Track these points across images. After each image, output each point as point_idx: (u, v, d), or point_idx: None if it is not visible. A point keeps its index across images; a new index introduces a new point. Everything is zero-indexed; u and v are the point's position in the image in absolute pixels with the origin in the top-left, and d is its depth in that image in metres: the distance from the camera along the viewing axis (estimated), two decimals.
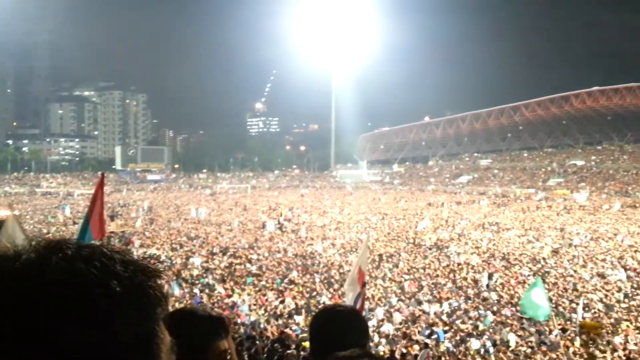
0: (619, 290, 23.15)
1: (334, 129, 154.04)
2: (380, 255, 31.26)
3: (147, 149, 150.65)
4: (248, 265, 29.00)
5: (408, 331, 17.67)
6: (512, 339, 16.92)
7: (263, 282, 25.04)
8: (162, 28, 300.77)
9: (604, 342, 16.49)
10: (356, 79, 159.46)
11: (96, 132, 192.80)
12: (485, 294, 22.84)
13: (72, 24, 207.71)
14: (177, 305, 18.46)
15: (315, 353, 2.32)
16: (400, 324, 18.84)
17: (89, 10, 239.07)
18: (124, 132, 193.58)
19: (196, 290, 23.51)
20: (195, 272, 27.01)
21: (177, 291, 21.87)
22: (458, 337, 17.13)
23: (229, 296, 22.68)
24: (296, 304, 21.21)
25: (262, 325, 18.28)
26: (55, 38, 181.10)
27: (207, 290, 23.61)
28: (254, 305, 21.37)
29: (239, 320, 18.77)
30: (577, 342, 16.34)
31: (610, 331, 17.76)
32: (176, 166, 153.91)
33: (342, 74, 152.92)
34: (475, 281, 25.16)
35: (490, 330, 17.91)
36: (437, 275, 26.38)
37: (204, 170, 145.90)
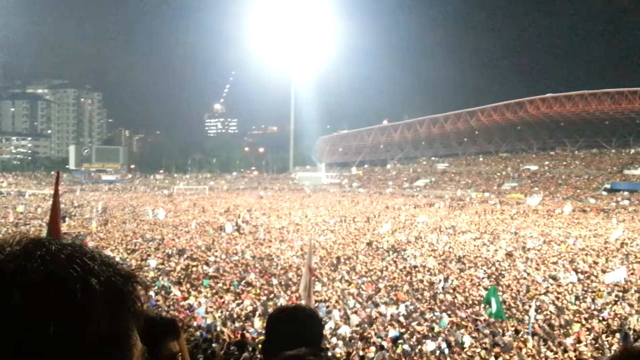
0: (571, 292, 23.69)
1: (293, 131, 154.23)
2: (338, 258, 31.34)
3: (102, 148, 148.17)
4: (205, 267, 28.71)
5: (365, 333, 17.74)
6: (467, 340, 17.14)
7: (220, 285, 24.83)
8: (119, 26, 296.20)
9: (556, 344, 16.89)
10: (315, 82, 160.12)
11: (49, 131, 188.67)
12: (441, 296, 23.10)
13: (25, 19, 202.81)
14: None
15: (268, 351, 2.29)
16: (357, 326, 18.89)
17: (43, 6, 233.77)
18: (78, 131, 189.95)
19: (152, 293, 23.14)
20: (150, 274, 26.60)
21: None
22: (414, 339, 17.26)
23: (185, 299, 22.40)
24: (253, 306, 21.09)
25: (218, 328, 18.10)
26: (8, 34, 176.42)
27: (162, 293, 23.28)
28: (211, 307, 21.15)
29: (195, 323, 18.55)
30: (530, 344, 16.67)
31: (561, 332, 18.17)
32: (132, 166, 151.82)
33: (302, 76, 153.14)
34: (431, 283, 25.43)
35: (446, 331, 18.11)
36: (394, 278, 26.56)
37: (161, 171, 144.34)
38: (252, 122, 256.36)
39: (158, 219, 50.97)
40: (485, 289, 24.06)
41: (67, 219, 47.13)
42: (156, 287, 24.25)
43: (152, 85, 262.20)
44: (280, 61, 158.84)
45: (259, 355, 12.32)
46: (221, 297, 22.57)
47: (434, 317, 19.85)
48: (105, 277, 0.81)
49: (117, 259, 29.50)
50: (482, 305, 20.01)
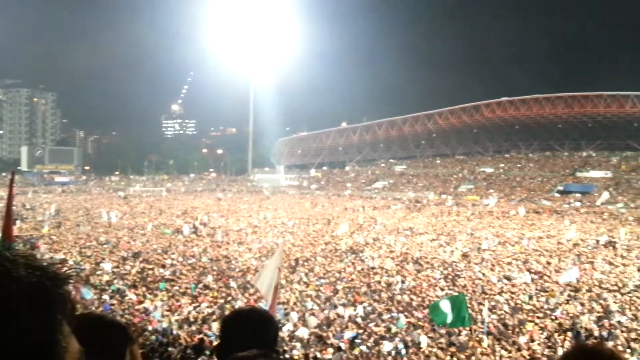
0: (524, 292, 24.17)
1: (252, 133, 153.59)
2: (297, 260, 31.30)
3: (55, 149, 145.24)
4: (161, 270, 28.33)
5: (324, 334, 17.76)
6: (424, 340, 17.30)
7: (176, 288, 24.52)
8: (75, 25, 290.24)
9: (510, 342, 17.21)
10: (275, 83, 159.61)
11: (1, 132, 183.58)
12: (398, 297, 23.27)
13: None
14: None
15: (222, 353, 2.27)
16: (316, 327, 18.88)
17: None
18: (31, 132, 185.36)
19: (106, 297, 22.71)
20: (105, 278, 26.11)
21: (88, 296, 21.13)
22: (372, 340, 17.35)
23: (141, 302, 22.04)
24: (211, 309, 20.89)
25: (174, 332, 17.86)
26: None
27: (117, 297, 22.86)
28: (167, 311, 20.87)
29: (150, 327, 18.27)
30: (485, 343, 16.93)
31: (515, 331, 18.52)
32: (87, 168, 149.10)
33: (261, 78, 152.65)
34: (389, 284, 25.59)
35: (403, 332, 18.24)
36: (352, 279, 26.65)
37: (116, 173, 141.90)
38: (210, 124, 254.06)
39: (112, 222, 50.15)
40: (442, 289, 24.40)
41: (18, 221, 45.90)
42: (110, 291, 23.84)
43: (108, 85, 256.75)
44: (240, 62, 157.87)
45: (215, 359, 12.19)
46: (178, 301, 22.29)
47: (391, 318, 19.98)
48: (29, 282, 0.76)
49: (71, 262, 28.93)
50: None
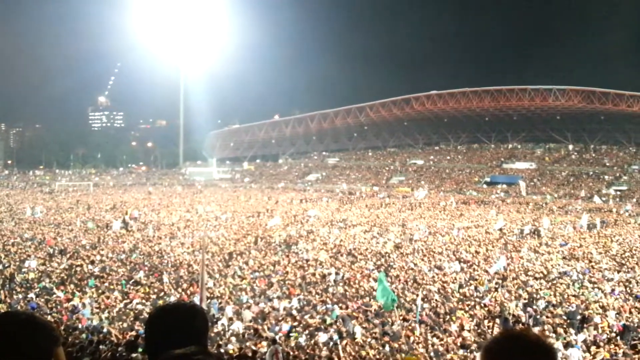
0: (455, 281, 24.79)
1: (183, 126, 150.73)
2: (230, 253, 31.05)
3: None
4: (90, 266, 27.53)
5: (259, 327, 17.70)
6: (358, 331, 17.50)
7: (106, 284, 23.90)
8: None
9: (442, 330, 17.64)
10: (206, 75, 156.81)
11: None
12: (333, 289, 23.43)
13: None
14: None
15: (150, 350, 2.22)
16: (251, 321, 18.81)
17: None
18: None
19: (32, 295, 21.90)
20: (31, 276, 25.19)
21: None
22: (307, 332, 17.41)
23: (69, 300, 21.36)
24: (143, 305, 20.47)
25: (105, 330, 17.41)
26: None
27: (44, 294, 22.08)
28: (97, 308, 20.31)
29: (80, 325, 17.75)
30: (417, 332, 17.29)
31: (446, 319, 18.99)
32: (9, 162, 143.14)
33: (191, 69, 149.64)
34: (323, 276, 25.74)
35: (338, 323, 18.39)
36: (287, 272, 26.67)
37: (41, 167, 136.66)
38: (139, 116, 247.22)
39: (37, 218, 48.36)
40: (375, 280, 24.71)
41: None
42: (37, 289, 23.03)
43: (31, 75, 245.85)
44: (169, 53, 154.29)
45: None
46: (108, 297, 21.72)
47: (326, 310, 20.10)
48: None
49: None
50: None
